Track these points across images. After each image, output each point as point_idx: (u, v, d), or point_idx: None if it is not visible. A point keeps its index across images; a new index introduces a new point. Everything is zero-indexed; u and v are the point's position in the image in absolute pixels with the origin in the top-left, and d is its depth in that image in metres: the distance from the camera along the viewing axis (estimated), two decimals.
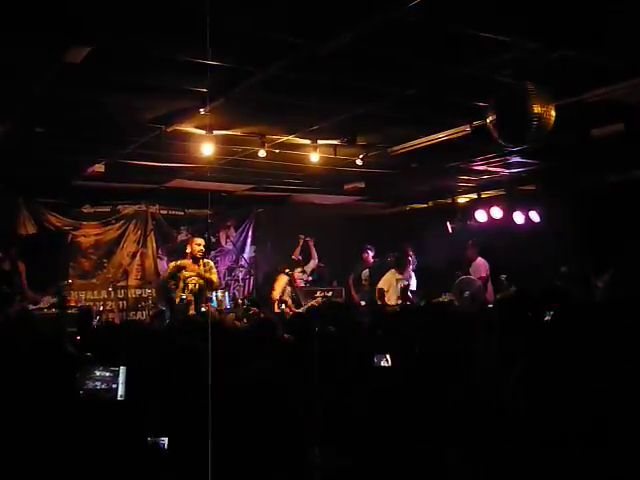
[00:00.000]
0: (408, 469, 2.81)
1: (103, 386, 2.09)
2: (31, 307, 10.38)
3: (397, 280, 11.63)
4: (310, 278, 13.35)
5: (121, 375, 2.11)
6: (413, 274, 12.09)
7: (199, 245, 10.43)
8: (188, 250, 10.47)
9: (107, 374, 2.10)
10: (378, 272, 12.33)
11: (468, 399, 3.97)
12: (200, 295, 10.41)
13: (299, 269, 13.12)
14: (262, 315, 9.59)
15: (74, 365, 2.07)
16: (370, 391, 3.33)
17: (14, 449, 2.74)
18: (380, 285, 11.75)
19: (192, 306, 9.82)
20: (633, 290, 8.90)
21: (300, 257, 13.36)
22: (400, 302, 11.23)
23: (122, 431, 2.56)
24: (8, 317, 9.12)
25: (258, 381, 3.66)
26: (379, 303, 11.42)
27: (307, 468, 2.98)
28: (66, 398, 1.94)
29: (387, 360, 4.24)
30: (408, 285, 11.64)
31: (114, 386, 2.09)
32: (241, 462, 3.05)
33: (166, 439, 2.73)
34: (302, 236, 13.27)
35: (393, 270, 11.81)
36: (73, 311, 10.98)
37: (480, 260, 12.39)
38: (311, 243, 13.31)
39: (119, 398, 2.14)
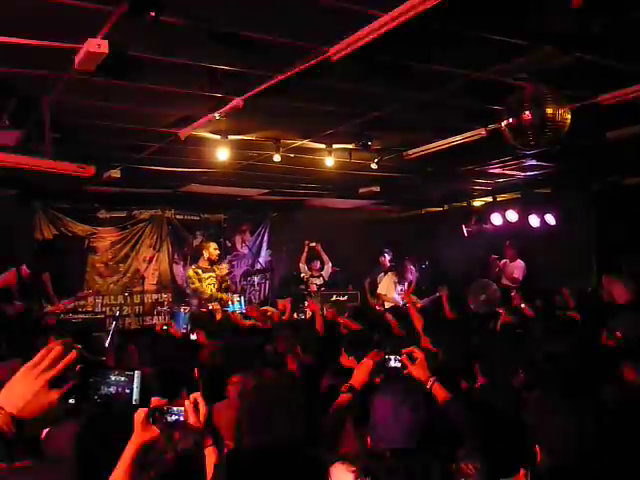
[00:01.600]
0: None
1: (118, 390, 2.10)
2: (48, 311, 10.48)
3: (394, 284, 12.30)
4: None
5: (136, 379, 2.11)
6: (412, 282, 12.61)
7: (216, 250, 10.76)
8: (206, 255, 10.73)
9: (122, 378, 2.10)
10: None
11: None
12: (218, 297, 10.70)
13: (315, 274, 13.24)
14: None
15: (89, 369, 2.08)
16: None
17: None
18: (379, 290, 12.43)
19: (218, 314, 9.89)
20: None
21: (318, 263, 13.41)
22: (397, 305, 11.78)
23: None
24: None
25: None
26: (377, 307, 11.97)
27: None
28: (81, 402, 1.95)
29: (397, 361, 4.25)
30: (403, 290, 12.31)
31: (128, 391, 2.10)
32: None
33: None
34: (307, 242, 13.32)
35: (390, 274, 12.47)
36: (89, 316, 11.09)
37: (519, 262, 12.35)
38: (319, 248, 13.36)
39: (134, 403, 2.15)
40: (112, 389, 2.13)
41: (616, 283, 9.58)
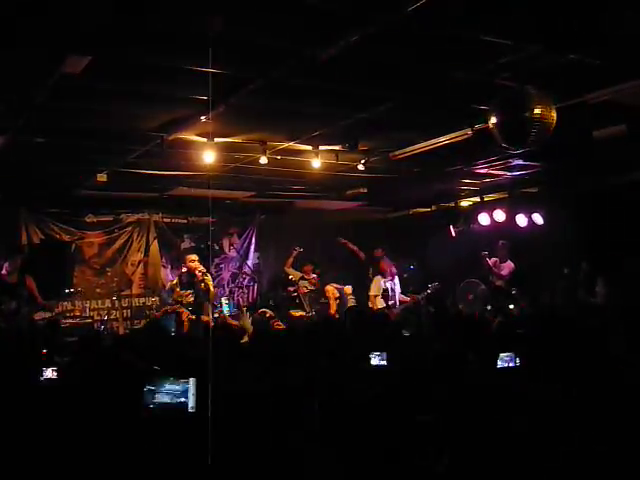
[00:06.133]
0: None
1: (174, 399, 2.07)
2: (38, 316, 10.42)
3: (384, 284, 12.53)
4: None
5: (191, 387, 2.08)
6: (397, 278, 12.83)
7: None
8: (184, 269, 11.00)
9: (177, 387, 2.08)
10: None
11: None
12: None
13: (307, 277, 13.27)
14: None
15: (141, 379, 2.06)
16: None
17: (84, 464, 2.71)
18: (371, 292, 12.63)
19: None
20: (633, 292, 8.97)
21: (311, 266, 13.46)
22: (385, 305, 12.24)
23: (195, 443, 2.51)
24: (16, 328, 9.18)
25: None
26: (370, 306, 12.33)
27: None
28: (133, 412, 1.92)
29: (383, 359, 4.29)
30: (388, 289, 12.57)
31: (183, 399, 2.07)
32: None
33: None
34: (296, 248, 13.37)
35: (378, 277, 12.65)
36: (77, 321, 11.04)
37: (509, 263, 12.50)
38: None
39: (190, 410, 2.12)
40: (168, 398, 2.10)
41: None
